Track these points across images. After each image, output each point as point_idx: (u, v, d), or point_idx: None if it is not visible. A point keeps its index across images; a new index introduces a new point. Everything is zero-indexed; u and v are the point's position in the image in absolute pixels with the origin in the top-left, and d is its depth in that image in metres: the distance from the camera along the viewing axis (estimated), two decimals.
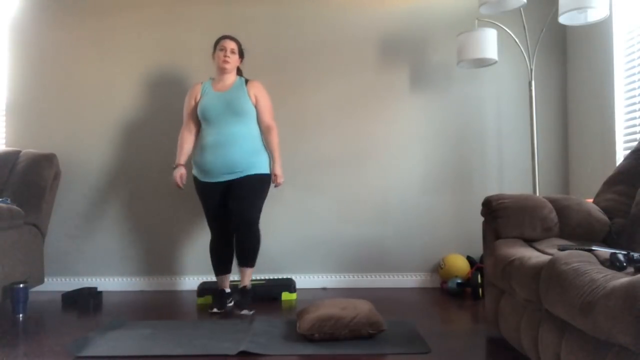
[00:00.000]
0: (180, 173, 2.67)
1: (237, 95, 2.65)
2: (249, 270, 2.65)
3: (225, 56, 2.65)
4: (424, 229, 3.24)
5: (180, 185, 2.67)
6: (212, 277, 3.22)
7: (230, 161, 2.58)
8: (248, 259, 2.63)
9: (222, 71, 2.69)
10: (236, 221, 2.57)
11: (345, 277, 3.24)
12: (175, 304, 2.84)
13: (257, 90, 2.71)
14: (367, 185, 3.25)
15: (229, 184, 2.62)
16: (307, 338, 2.02)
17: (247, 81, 2.74)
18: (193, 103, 2.71)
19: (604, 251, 1.44)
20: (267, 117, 2.70)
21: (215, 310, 2.58)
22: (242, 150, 2.59)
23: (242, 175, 2.61)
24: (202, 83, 2.75)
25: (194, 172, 2.69)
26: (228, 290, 2.74)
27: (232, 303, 2.71)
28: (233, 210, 2.57)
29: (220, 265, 2.71)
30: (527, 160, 3.24)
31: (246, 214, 2.56)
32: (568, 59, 3.24)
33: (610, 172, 2.25)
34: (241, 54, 2.76)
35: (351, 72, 3.28)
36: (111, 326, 2.28)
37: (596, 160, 2.91)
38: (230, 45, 2.68)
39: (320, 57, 3.30)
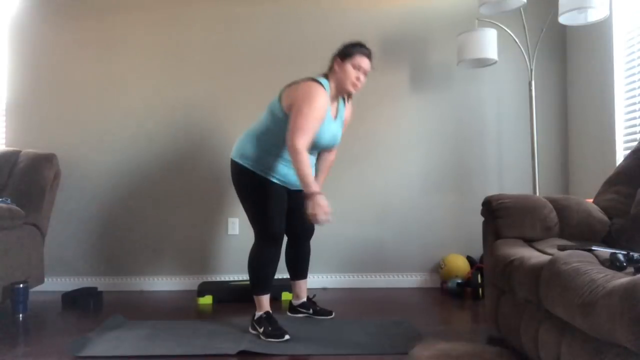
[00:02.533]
0: (326, 202, 1.98)
1: (341, 125, 2.32)
2: (305, 281, 2.53)
3: (357, 78, 2.18)
4: (424, 229, 3.24)
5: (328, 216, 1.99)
6: (212, 277, 3.23)
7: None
8: (306, 271, 2.53)
9: (342, 92, 2.23)
10: (302, 229, 2.42)
11: (345, 277, 3.24)
12: (175, 304, 2.84)
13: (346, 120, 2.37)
14: (367, 185, 3.25)
15: (290, 192, 2.30)
16: None
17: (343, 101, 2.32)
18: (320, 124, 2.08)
19: (604, 251, 1.44)
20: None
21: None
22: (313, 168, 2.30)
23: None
24: (326, 93, 2.11)
25: (271, 176, 2.19)
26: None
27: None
28: (299, 217, 2.34)
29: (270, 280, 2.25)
30: (527, 161, 3.23)
31: (312, 224, 2.40)
32: (568, 59, 3.24)
33: (610, 172, 2.25)
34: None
35: None
36: (111, 326, 2.28)
37: (596, 160, 2.91)
38: (367, 66, 2.19)
39: (319, 57, 3.28)
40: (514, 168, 3.25)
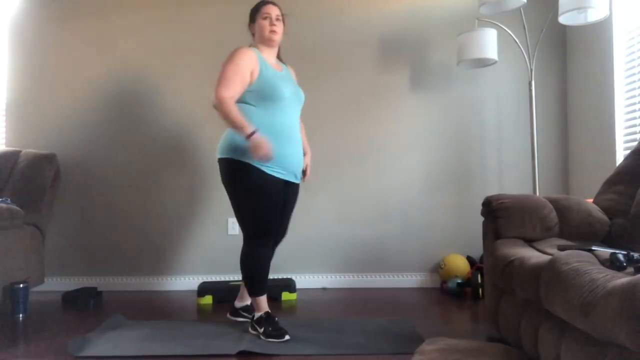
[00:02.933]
0: (264, 139, 1.97)
1: (295, 80, 2.31)
2: None
3: (272, 25, 2.18)
4: (424, 229, 3.24)
5: (271, 153, 1.98)
6: (212, 277, 3.23)
7: (301, 159, 2.22)
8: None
9: (269, 44, 2.21)
10: (283, 230, 2.33)
11: (345, 277, 3.24)
12: (175, 304, 2.84)
13: (295, 77, 2.36)
14: (367, 185, 3.25)
15: (285, 185, 2.20)
16: None
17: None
18: (249, 74, 2.09)
19: (604, 251, 1.44)
20: None
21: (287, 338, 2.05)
22: (302, 148, 2.25)
23: (298, 180, 2.26)
24: (254, 51, 2.17)
25: (266, 167, 2.08)
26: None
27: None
28: (282, 218, 2.26)
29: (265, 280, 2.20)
30: (527, 161, 3.24)
31: (287, 226, 2.35)
32: (568, 59, 3.24)
33: (610, 172, 2.26)
34: (283, 21, 2.29)
35: (351, 72, 3.28)
36: (111, 326, 2.28)
37: (596, 160, 2.91)
38: (275, 11, 2.22)
39: (320, 57, 3.30)
40: (514, 168, 3.25)
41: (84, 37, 3.35)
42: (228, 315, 2.43)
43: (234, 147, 2.08)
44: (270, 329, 2.07)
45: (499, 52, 3.06)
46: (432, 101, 3.26)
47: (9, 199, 2.72)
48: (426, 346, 1.78)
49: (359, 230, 3.24)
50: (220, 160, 2.16)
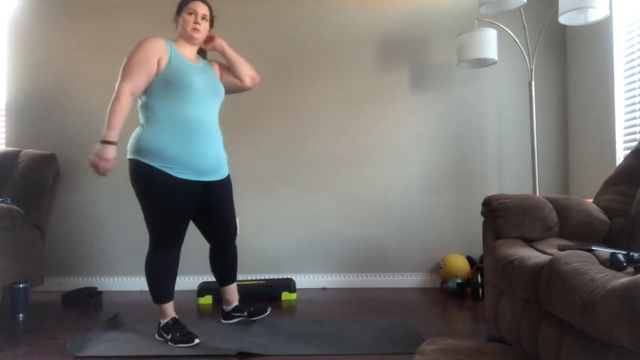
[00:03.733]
0: (113, 156, 1.91)
1: (214, 74, 2.21)
2: (235, 285, 2.40)
3: (195, 22, 2.10)
4: (424, 229, 3.24)
5: (107, 172, 1.92)
6: (212, 277, 3.22)
7: (220, 155, 2.13)
8: (235, 274, 2.38)
9: (189, 40, 2.12)
10: (225, 232, 2.23)
11: (345, 277, 3.24)
12: (175, 304, 2.83)
13: (218, 71, 2.30)
14: (367, 185, 3.25)
15: (206, 186, 2.12)
16: None
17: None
18: (155, 63, 2.00)
19: (604, 251, 1.44)
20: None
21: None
22: (221, 143, 2.18)
23: (224, 175, 2.19)
24: (165, 40, 2.08)
25: (158, 163, 1.97)
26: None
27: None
28: (220, 218, 2.19)
29: (172, 287, 2.15)
30: (527, 160, 3.24)
31: (234, 223, 2.27)
32: (568, 59, 3.24)
33: (610, 172, 2.26)
34: (212, 23, 2.23)
35: (351, 72, 3.28)
36: (110, 326, 2.28)
37: (596, 160, 2.91)
38: (202, 9, 2.13)
39: (320, 57, 3.30)
40: (514, 168, 3.25)
41: (84, 37, 3.35)
42: (222, 320, 2.39)
43: (138, 148, 1.99)
44: (178, 334, 2.02)
45: (499, 52, 3.06)
46: (432, 101, 3.26)
47: (9, 199, 2.72)
48: (426, 346, 1.79)
49: (359, 230, 3.24)
50: (128, 161, 2.03)
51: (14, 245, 2.60)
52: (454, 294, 2.92)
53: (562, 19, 2.59)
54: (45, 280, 3.09)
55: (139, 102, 2.11)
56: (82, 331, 2.24)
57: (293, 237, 3.23)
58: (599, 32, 2.85)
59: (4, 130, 3.37)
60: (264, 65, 3.28)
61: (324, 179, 3.26)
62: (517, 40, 2.90)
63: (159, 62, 2.00)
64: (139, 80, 1.98)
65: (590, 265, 1.26)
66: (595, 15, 2.55)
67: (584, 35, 3.02)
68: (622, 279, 1.07)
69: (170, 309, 2.12)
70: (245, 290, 2.87)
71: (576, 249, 1.48)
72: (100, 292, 2.91)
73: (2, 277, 2.49)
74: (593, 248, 1.46)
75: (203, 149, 2.03)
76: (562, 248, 1.56)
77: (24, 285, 2.55)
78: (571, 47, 3.20)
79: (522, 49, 2.93)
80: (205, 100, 2.08)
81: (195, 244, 3.26)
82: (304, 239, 3.24)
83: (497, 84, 3.27)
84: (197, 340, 2.01)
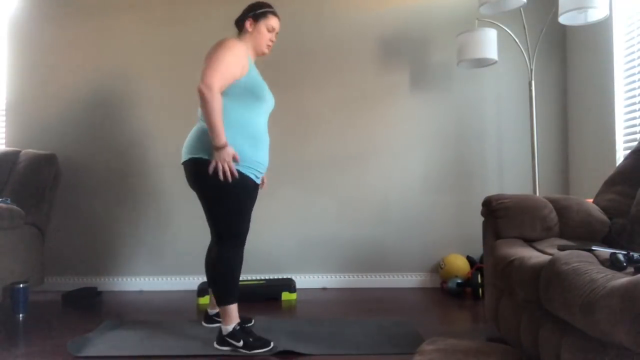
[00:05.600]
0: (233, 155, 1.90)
1: None
2: None
3: (271, 40, 2.14)
4: (424, 229, 3.24)
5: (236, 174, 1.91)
6: None
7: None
8: None
9: (257, 53, 2.14)
10: (247, 232, 2.17)
11: (345, 277, 3.24)
12: (175, 304, 2.84)
13: None
14: (367, 185, 3.25)
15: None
16: None
17: None
18: (241, 67, 1.96)
19: (604, 251, 1.44)
20: None
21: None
22: None
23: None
24: (245, 44, 2.09)
25: (246, 170, 1.98)
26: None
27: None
28: (250, 219, 2.15)
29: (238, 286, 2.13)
30: (527, 160, 3.24)
31: None
32: (568, 59, 3.24)
33: (610, 172, 2.26)
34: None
35: (351, 72, 3.28)
36: (110, 326, 2.28)
37: (596, 160, 2.91)
38: (278, 27, 2.15)
39: (320, 57, 3.30)
40: (514, 168, 3.25)
41: (83, 37, 3.35)
42: (203, 323, 2.32)
43: (209, 147, 1.93)
44: (251, 339, 1.93)
45: (499, 52, 3.06)
46: (432, 101, 3.27)
47: (9, 199, 2.72)
48: (426, 346, 1.79)
49: (359, 230, 3.24)
50: (193, 161, 1.96)
51: (14, 245, 2.60)
52: (454, 294, 2.92)
53: (562, 19, 2.59)
54: (45, 280, 3.09)
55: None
56: (82, 331, 2.24)
57: (293, 237, 3.23)
58: (599, 32, 2.85)
59: (4, 130, 3.37)
60: (265, 66, 3.28)
61: (325, 179, 3.26)
62: (517, 40, 2.90)
63: (242, 68, 1.97)
64: (228, 79, 1.91)
65: (590, 265, 1.26)
66: (595, 15, 2.55)
67: (584, 35, 3.02)
68: (622, 279, 1.07)
69: (236, 312, 1.99)
70: (246, 290, 2.88)
71: (576, 249, 1.48)
72: (100, 292, 2.91)
73: (2, 277, 2.49)
74: (593, 248, 1.46)
75: (265, 156, 2.06)
76: (562, 248, 1.56)
77: (24, 285, 2.55)
78: (571, 47, 3.20)
79: (522, 49, 2.93)
80: (267, 113, 2.10)
81: (195, 244, 3.27)
82: (304, 239, 3.24)
83: (497, 84, 3.27)
84: (272, 344, 1.94)
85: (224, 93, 1.95)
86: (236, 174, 1.90)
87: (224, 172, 1.87)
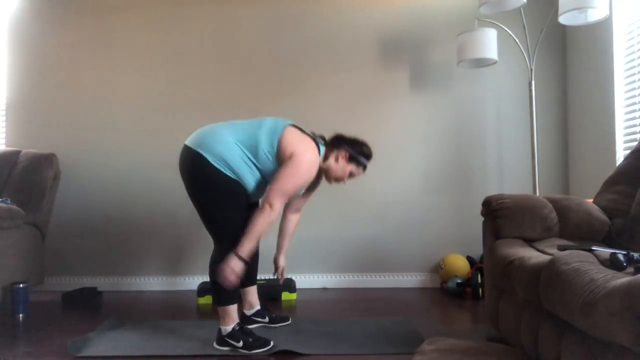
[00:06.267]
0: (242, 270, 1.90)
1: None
2: (256, 287, 2.41)
3: (348, 179, 2.18)
4: (424, 229, 3.24)
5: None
6: None
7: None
8: (256, 276, 2.43)
9: (327, 178, 2.17)
10: None
11: (345, 277, 3.24)
12: (175, 304, 2.84)
13: None
14: (367, 185, 3.25)
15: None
16: None
17: None
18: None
19: (604, 251, 1.44)
20: None
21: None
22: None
23: None
24: (321, 158, 2.10)
25: (244, 184, 2.01)
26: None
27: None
28: None
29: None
30: (527, 160, 3.23)
31: None
32: (568, 59, 3.24)
33: (610, 172, 2.25)
34: None
35: (351, 72, 3.28)
36: (111, 326, 2.28)
37: (596, 160, 2.91)
38: (358, 175, 2.20)
39: (320, 57, 3.30)
40: (514, 168, 3.25)
41: (83, 37, 3.35)
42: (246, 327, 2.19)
43: (222, 160, 1.93)
44: (250, 340, 1.94)
45: (499, 52, 3.06)
46: (432, 101, 3.26)
47: (9, 199, 2.72)
48: (426, 346, 1.79)
49: (359, 230, 3.24)
50: (197, 155, 1.93)
51: (14, 245, 2.60)
52: (454, 294, 2.92)
53: (562, 19, 2.59)
54: (45, 280, 3.09)
55: (253, 144, 1.97)
56: (82, 331, 2.23)
57: (293, 237, 3.23)
58: (599, 32, 2.85)
59: (4, 130, 3.37)
60: (265, 65, 3.28)
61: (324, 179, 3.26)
62: (517, 40, 2.90)
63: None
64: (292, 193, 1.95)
65: (590, 265, 1.26)
66: (595, 15, 2.55)
67: (584, 35, 3.02)
68: (622, 279, 1.07)
69: (235, 313, 1.99)
70: None
71: (576, 249, 1.48)
72: (100, 292, 2.91)
73: (2, 277, 2.49)
74: (593, 248, 1.46)
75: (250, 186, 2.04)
76: (562, 248, 1.56)
77: (24, 285, 2.55)
78: (571, 47, 3.20)
79: (522, 49, 2.93)
80: (260, 187, 2.08)
81: (195, 244, 3.27)
82: (304, 239, 3.24)
83: (497, 84, 3.27)
84: (272, 343, 1.95)
85: (254, 152, 1.95)
86: (233, 286, 1.89)
87: (225, 278, 1.85)
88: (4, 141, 3.37)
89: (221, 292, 1.96)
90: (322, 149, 2.10)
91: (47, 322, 2.44)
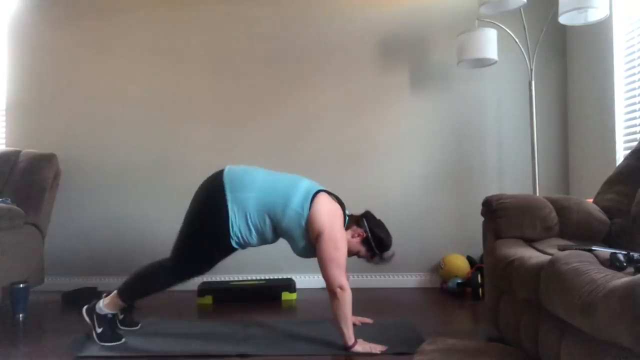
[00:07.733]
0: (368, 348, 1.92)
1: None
2: None
3: (366, 261, 2.18)
4: (424, 229, 3.24)
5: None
6: (212, 277, 3.22)
7: None
8: None
9: (349, 250, 2.09)
10: None
11: None
12: (175, 304, 2.84)
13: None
14: (367, 185, 3.25)
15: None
16: None
17: None
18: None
19: (604, 251, 1.44)
20: None
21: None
22: None
23: None
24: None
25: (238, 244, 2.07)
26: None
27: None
28: None
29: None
30: (527, 160, 3.23)
31: None
32: (568, 59, 3.24)
33: (610, 172, 2.25)
34: None
35: (351, 72, 3.28)
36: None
37: (596, 160, 2.91)
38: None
39: (320, 57, 3.30)
40: (514, 168, 3.25)
41: (83, 37, 3.35)
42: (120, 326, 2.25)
43: (233, 198, 1.98)
44: (110, 333, 2.01)
45: (499, 52, 3.06)
46: (432, 101, 3.26)
47: (9, 199, 2.72)
48: (426, 346, 1.79)
49: None
50: (223, 194, 1.98)
51: (14, 245, 2.60)
52: (454, 294, 2.92)
53: (562, 19, 2.59)
54: (45, 280, 3.08)
55: (281, 218, 2.03)
56: (82, 331, 2.23)
57: None
58: (599, 32, 2.85)
59: (4, 130, 3.37)
60: (265, 66, 3.28)
61: (324, 179, 3.24)
62: (517, 40, 2.90)
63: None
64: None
65: (590, 265, 1.26)
66: (595, 15, 2.55)
67: (584, 35, 3.02)
68: (622, 279, 1.07)
69: (119, 307, 2.07)
70: (246, 291, 2.88)
71: (576, 249, 1.48)
72: (100, 292, 2.90)
73: (2, 277, 2.49)
74: (593, 248, 1.46)
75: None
76: (562, 248, 1.56)
77: (24, 285, 2.54)
78: (571, 47, 3.20)
79: (522, 49, 2.93)
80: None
81: None
82: None
83: (497, 84, 3.27)
84: (123, 340, 2.02)
85: (275, 215, 2.01)
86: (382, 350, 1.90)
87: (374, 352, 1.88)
88: (4, 141, 3.37)
89: (135, 292, 2.05)
90: (347, 219, 2.10)
91: (47, 322, 2.44)
